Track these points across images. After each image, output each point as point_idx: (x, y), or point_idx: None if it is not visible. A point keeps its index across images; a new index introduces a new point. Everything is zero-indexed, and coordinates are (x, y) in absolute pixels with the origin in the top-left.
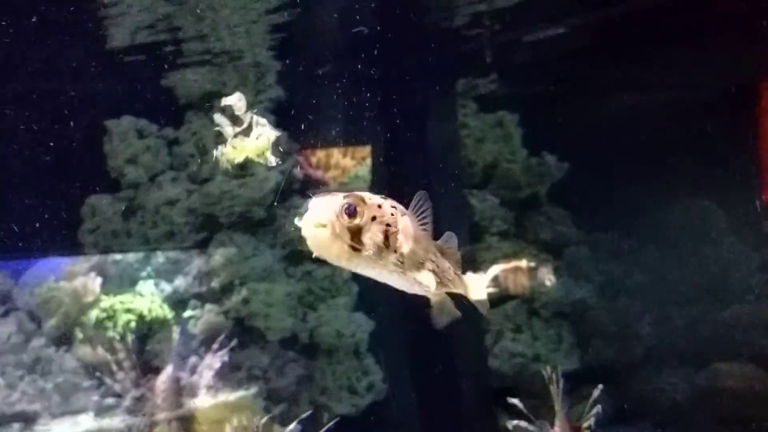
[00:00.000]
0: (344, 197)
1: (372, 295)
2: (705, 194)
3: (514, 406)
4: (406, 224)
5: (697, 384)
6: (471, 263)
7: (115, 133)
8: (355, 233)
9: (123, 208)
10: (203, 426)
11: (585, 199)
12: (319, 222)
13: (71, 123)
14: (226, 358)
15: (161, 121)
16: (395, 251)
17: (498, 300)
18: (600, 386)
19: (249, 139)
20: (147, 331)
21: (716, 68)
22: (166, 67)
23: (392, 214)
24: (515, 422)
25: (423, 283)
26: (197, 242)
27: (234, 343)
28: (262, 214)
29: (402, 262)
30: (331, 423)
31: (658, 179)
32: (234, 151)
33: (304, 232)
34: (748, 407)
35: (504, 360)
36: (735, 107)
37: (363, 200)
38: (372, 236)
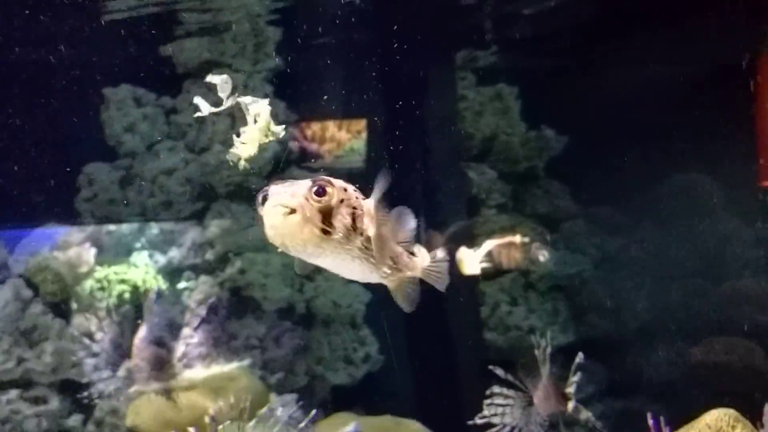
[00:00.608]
0: (311, 180)
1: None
2: (702, 169)
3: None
4: (369, 207)
5: (692, 358)
6: (468, 236)
7: (113, 102)
8: (326, 215)
9: (120, 177)
10: (200, 395)
11: (583, 173)
12: (288, 206)
13: (68, 91)
14: (214, 329)
15: (159, 89)
16: (362, 234)
17: (494, 273)
18: (581, 354)
19: (250, 127)
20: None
21: (716, 43)
22: (164, 35)
23: (357, 198)
24: (496, 388)
25: (384, 269)
26: (194, 212)
27: (224, 313)
28: (261, 184)
29: (367, 247)
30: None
31: (655, 154)
32: (246, 146)
33: (270, 221)
34: (743, 382)
35: (500, 332)
36: (734, 82)
37: (330, 182)
38: (341, 218)
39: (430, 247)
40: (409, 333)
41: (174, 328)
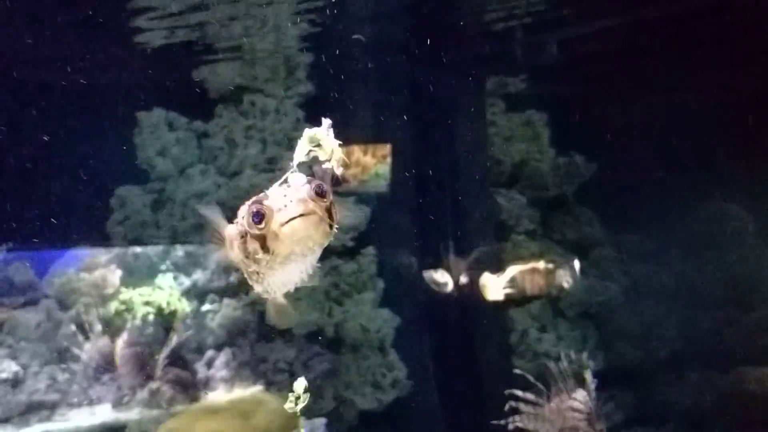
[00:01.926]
0: (308, 182)
1: (398, 292)
2: (732, 198)
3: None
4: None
5: (721, 388)
6: (492, 262)
7: (146, 125)
8: (329, 211)
9: (152, 200)
10: (230, 417)
11: (612, 200)
12: (313, 212)
13: (102, 114)
14: (242, 352)
15: (191, 114)
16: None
17: (518, 299)
18: (590, 367)
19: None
20: (166, 324)
21: (746, 72)
22: (197, 60)
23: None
24: (518, 392)
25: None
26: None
27: (253, 336)
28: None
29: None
30: None
31: (685, 182)
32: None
33: (297, 231)
34: None
35: (528, 359)
36: (764, 111)
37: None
38: (335, 211)
39: (455, 272)
40: (437, 358)
41: (199, 351)
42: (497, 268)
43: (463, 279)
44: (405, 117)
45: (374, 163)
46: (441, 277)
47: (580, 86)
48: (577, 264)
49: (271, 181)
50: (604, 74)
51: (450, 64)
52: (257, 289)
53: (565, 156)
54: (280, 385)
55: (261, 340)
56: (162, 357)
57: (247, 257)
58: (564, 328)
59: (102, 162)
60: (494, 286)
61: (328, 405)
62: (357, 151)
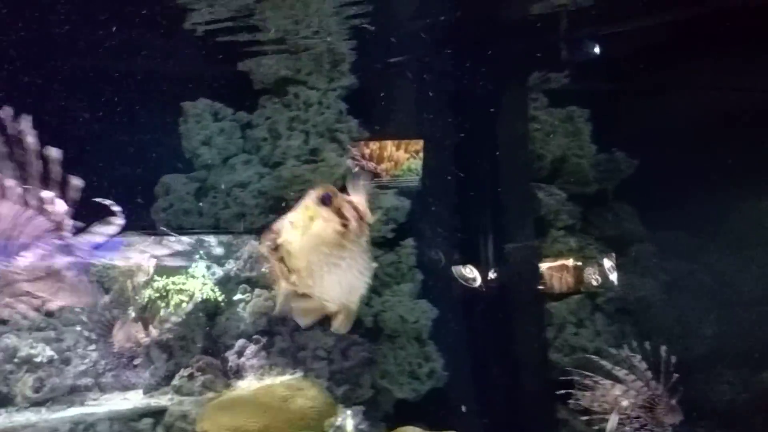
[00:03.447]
0: (314, 191)
1: (436, 283)
2: None
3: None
4: (361, 200)
5: (757, 386)
6: (535, 257)
7: (191, 115)
8: (339, 212)
9: (195, 188)
10: (270, 403)
11: (653, 197)
12: (308, 216)
13: (149, 103)
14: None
15: (236, 104)
16: (365, 222)
17: (560, 295)
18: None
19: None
20: (198, 312)
21: None
22: (242, 51)
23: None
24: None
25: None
26: (265, 225)
27: (292, 324)
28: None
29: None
30: None
31: (726, 180)
32: None
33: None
34: None
35: (565, 353)
36: None
37: (329, 188)
38: (349, 211)
39: (486, 268)
40: (474, 351)
41: (232, 340)
42: (536, 263)
43: (493, 275)
44: (447, 111)
45: (407, 158)
46: (470, 272)
47: (623, 82)
48: (609, 262)
49: (314, 172)
50: (647, 70)
51: (494, 58)
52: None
53: (607, 152)
54: (318, 373)
55: (300, 329)
56: (196, 345)
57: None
58: (601, 324)
59: (147, 150)
60: None
61: (366, 393)
62: (390, 145)
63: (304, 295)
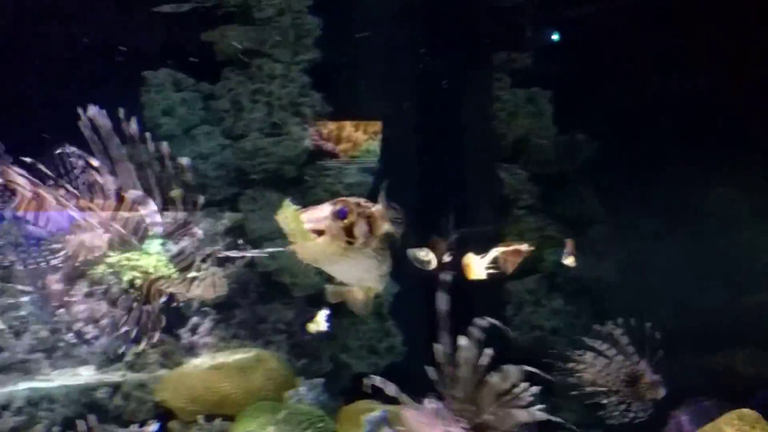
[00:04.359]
0: (332, 204)
1: (398, 259)
2: (733, 180)
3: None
4: (380, 211)
5: (713, 369)
6: (486, 239)
7: (153, 84)
8: (349, 230)
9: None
10: (229, 374)
11: (613, 179)
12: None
13: (109, 74)
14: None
15: (198, 75)
16: (376, 236)
17: (518, 274)
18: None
19: None
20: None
21: (753, 54)
22: (207, 22)
23: (369, 207)
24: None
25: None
26: (227, 197)
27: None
28: (294, 172)
29: (379, 246)
30: None
31: (685, 164)
32: None
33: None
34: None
35: (524, 332)
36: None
37: (348, 203)
38: (360, 228)
39: (438, 251)
40: (433, 327)
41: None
42: (480, 248)
43: (448, 258)
44: (411, 89)
45: (365, 139)
46: (425, 255)
47: (586, 65)
48: (568, 242)
49: (277, 145)
50: (610, 54)
51: (458, 37)
52: None
53: (568, 134)
54: (278, 345)
55: (260, 301)
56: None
57: None
58: (558, 303)
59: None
60: (477, 266)
61: (326, 366)
62: (348, 126)
63: None
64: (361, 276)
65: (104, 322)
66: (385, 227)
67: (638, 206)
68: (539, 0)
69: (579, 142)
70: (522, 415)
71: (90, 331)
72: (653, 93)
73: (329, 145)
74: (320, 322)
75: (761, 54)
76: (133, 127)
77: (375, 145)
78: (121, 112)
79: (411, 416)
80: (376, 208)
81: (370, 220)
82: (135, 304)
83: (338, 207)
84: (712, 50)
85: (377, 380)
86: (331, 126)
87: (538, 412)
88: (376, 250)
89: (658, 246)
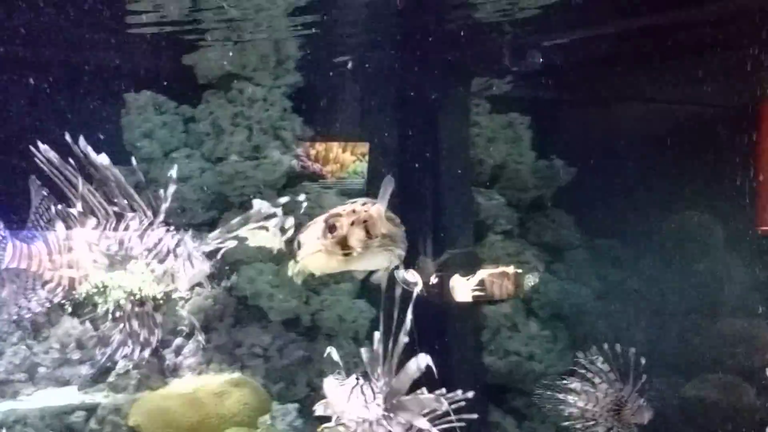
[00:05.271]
0: (323, 220)
1: (375, 285)
2: (705, 209)
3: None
4: (380, 210)
5: (685, 394)
6: (472, 262)
7: (134, 107)
8: (343, 243)
9: (135, 182)
10: (204, 398)
11: (589, 205)
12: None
13: (91, 95)
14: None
15: (179, 98)
16: (377, 236)
17: (495, 300)
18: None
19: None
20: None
21: (722, 86)
22: (187, 45)
23: (365, 210)
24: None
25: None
26: (206, 221)
27: (230, 320)
28: (274, 196)
29: (386, 243)
30: None
31: (661, 190)
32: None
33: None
34: (734, 420)
35: (500, 357)
36: (738, 125)
37: (339, 216)
38: (356, 236)
39: (423, 274)
40: (410, 352)
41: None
42: (466, 270)
43: (434, 279)
44: (390, 114)
45: (353, 161)
46: (411, 277)
47: (564, 92)
48: (544, 267)
49: (256, 169)
50: (588, 81)
51: (437, 63)
52: None
53: (546, 159)
54: (254, 370)
55: (237, 325)
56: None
57: None
58: (535, 328)
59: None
60: (463, 289)
61: (301, 391)
62: (341, 147)
63: None
64: (379, 264)
65: (90, 342)
66: (384, 227)
67: (615, 232)
68: (518, 27)
69: (557, 168)
70: (431, 402)
71: (75, 352)
72: (631, 120)
73: (316, 166)
74: None
75: (736, 83)
76: (85, 150)
77: (362, 166)
78: (68, 137)
79: (331, 386)
80: (375, 208)
81: (366, 224)
82: (120, 325)
83: (329, 224)
84: (689, 79)
85: (332, 352)
86: (318, 147)
87: (445, 401)
88: (381, 245)
89: (634, 271)
